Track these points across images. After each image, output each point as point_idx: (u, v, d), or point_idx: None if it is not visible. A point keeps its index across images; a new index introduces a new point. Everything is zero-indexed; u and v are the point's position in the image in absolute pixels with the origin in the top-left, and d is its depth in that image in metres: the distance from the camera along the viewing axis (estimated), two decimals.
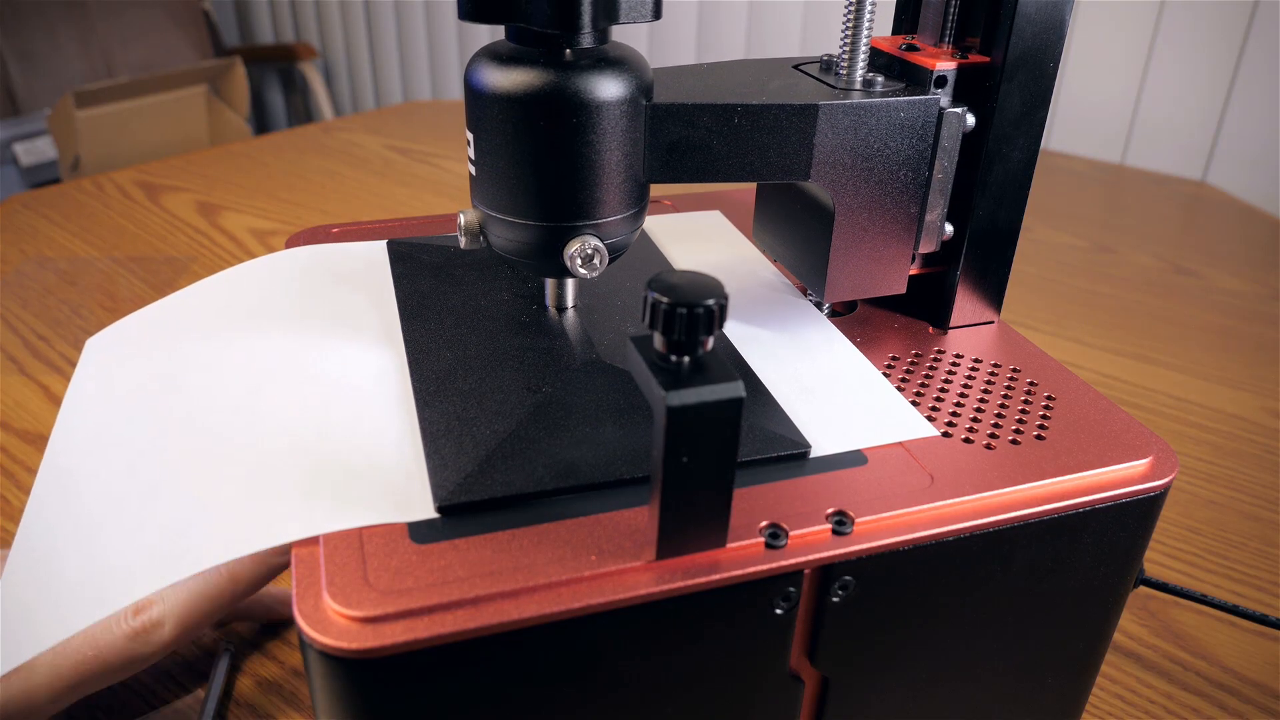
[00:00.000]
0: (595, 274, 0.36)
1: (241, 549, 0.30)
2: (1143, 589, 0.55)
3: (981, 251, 0.43)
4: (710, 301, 0.26)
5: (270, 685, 0.48)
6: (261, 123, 2.58)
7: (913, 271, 0.43)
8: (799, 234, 0.43)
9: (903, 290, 0.43)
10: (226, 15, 2.68)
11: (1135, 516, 0.35)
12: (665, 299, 0.26)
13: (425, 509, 0.31)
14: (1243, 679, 0.51)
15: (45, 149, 1.94)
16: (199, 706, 0.46)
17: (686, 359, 0.27)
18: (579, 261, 0.36)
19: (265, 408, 0.36)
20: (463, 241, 0.38)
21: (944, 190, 0.41)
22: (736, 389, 0.27)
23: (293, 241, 0.48)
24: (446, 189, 1.12)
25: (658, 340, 0.27)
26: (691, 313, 0.26)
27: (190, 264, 0.92)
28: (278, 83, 2.56)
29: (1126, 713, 0.49)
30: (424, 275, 0.44)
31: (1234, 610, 0.49)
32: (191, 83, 1.94)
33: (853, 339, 0.43)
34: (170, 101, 1.90)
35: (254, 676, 0.48)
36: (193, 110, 1.96)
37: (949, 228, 0.42)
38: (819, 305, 0.45)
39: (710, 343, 0.27)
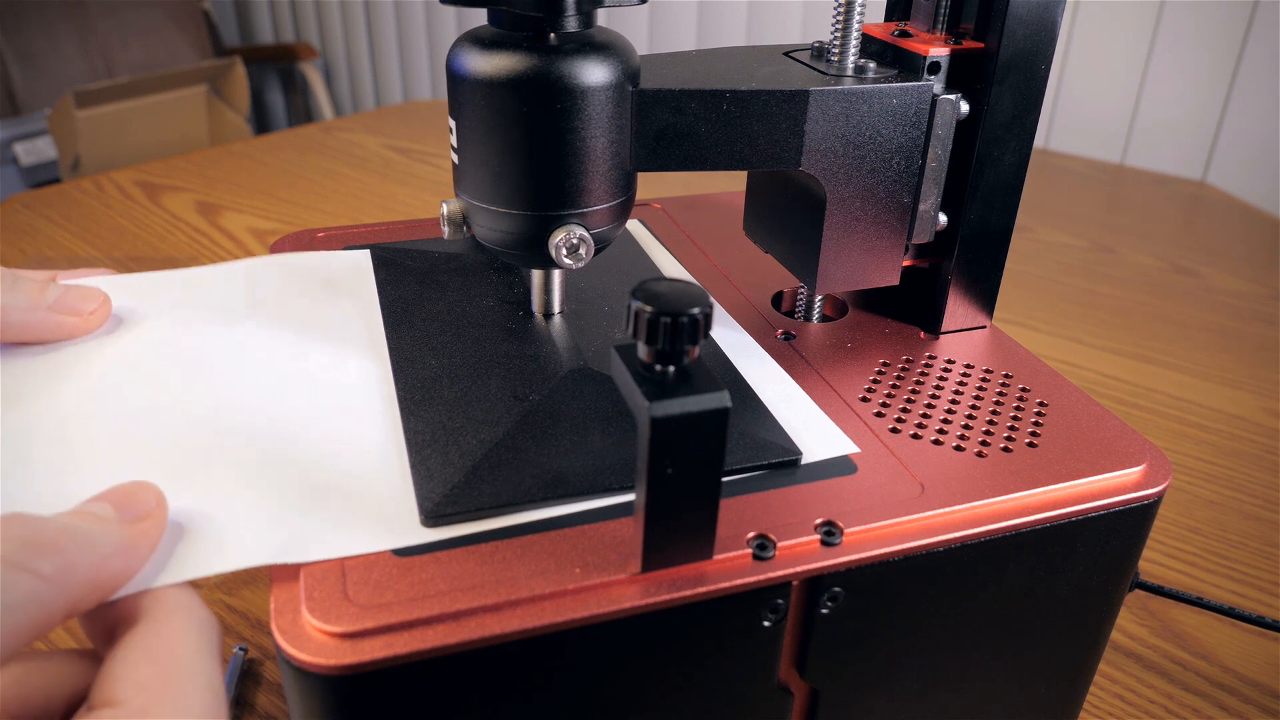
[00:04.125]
0: (581, 264, 0.36)
1: (216, 567, 0.28)
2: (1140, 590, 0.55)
3: (973, 255, 0.42)
4: (695, 310, 0.26)
5: (283, 691, 0.47)
6: (261, 123, 2.58)
7: (906, 263, 0.43)
8: (790, 225, 0.43)
9: (896, 282, 0.43)
10: (226, 15, 2.68)
11: (1129, 525, 0.35)
12: (649, 308, 0.26)
13: (410, 520, 0.30)
14: (1243, 679, 0.51)
15: (45, 149, 1.94)
16: None
17: (671, 369, 0.27)
18: (564, 252, 0.36)
19: (239, 414, 0.35)
20: (446, 231, 0.37)
21: (938, 179, 0.41)
22: (722, 399, 0.26)
23: (277, 247, 0.48)
24: (446, 189, 1.12)
25: (642, 349, 0.27)
26: (675, 322, 0.26)
27: (190, 264, 0.91)
28: (278, 83, 2.56)
29: (1126, 713, 0.49)
30: (408, 281, 0.43)
31: (1230, 612, 0.48)
32: (191, 83, 1.94)
33: (842, 344, 0.42)
34: (170, 101, 1.90)
35: (266, 684, 0.48)
36: (193, 110, 1.96)
37: (943, 218, 0.42)
38: (811, 299, 0.45)
39: (696, 352, 0.27)
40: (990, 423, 0.37)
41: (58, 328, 0.37)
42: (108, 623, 0.27)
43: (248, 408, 0.35)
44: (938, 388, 0.40)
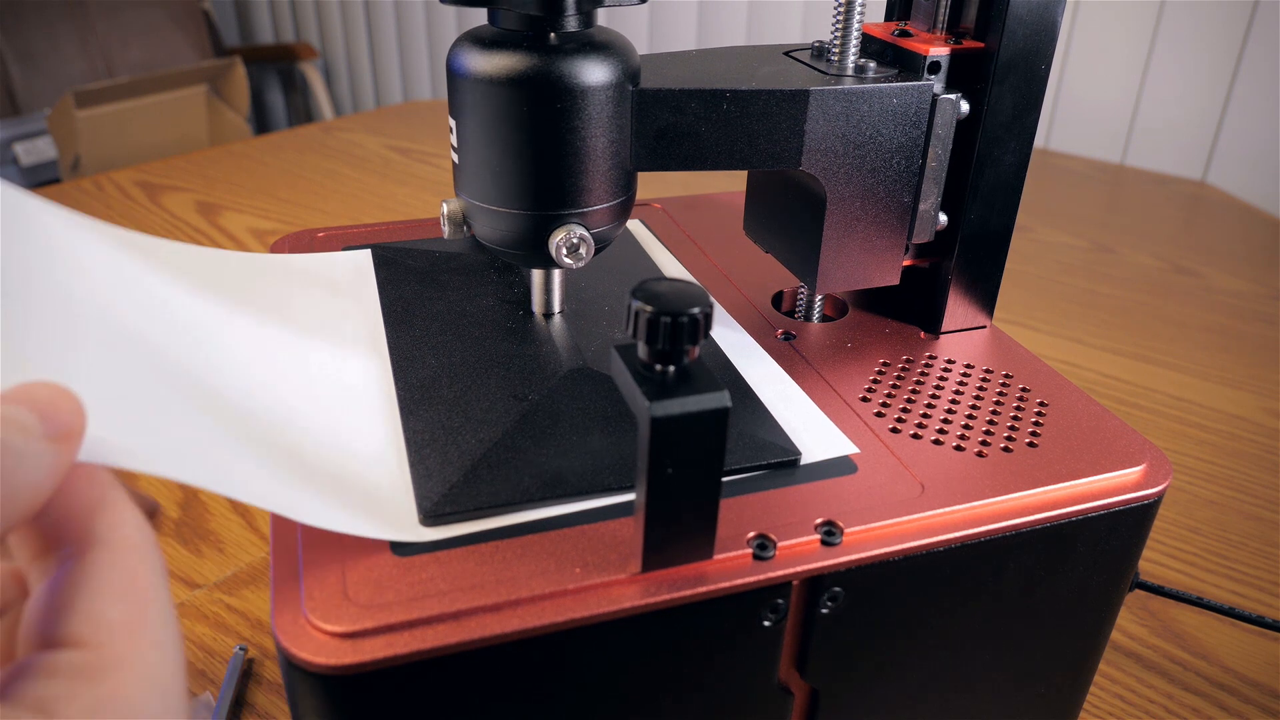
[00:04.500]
0: (581, 264, 0.36)
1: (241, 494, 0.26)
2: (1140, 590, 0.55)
3: (973, 255, 0.42)
4: (695, 310, 0.26)
5: (283, 691, 0.47)
6: (261, 123, 2.57)
7: (906, 262, 0.43)
8: (790, 224, 0.43)
9: (896, 281, 0.43)
10: (226, 15, 2.67)
11: (1129, 524, 0.35)
12: (649, 307, 0.26)
13: (409, 519, 0.30)
14: (1243, 679, 0.51)
15: (45, 149, 1.93)
16: (203, 710, 0.46)
17: (671, 368, 0.27)
18: (564, 251, 0.36)
19: (238, 399, 0.33)
20: (446, 230, 0.37)
21: (938, 179, 0.41)
22: (722, 399, 0.26)
23: (277, 247, 0.48)
24: (446, 189, 1.12)
25: (642, 349, 0.27)
26: (675, 321, 0.26)
27: None
28: (278, 83, 2.55)
29: (1127, 713, 0.49)
30: (409, 281, 0.43)
31: (1230, 612, 0.48)
32: (191, 83, 1.94)
33: (842, 344, 0.42)
34: (170, 101, 1.90)
35: (266, 684, 0.48)
36: (193, 110, 1.95)
37: (943, 217, 0.42)
38: (811, 298, 0.45)
39: (696, 352, 0.27)
40: (990, 423, 0.37)
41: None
42: (39, 537, 0.23)
43: (246, 396, 0.34)
44: (938, 388, 0.40)
